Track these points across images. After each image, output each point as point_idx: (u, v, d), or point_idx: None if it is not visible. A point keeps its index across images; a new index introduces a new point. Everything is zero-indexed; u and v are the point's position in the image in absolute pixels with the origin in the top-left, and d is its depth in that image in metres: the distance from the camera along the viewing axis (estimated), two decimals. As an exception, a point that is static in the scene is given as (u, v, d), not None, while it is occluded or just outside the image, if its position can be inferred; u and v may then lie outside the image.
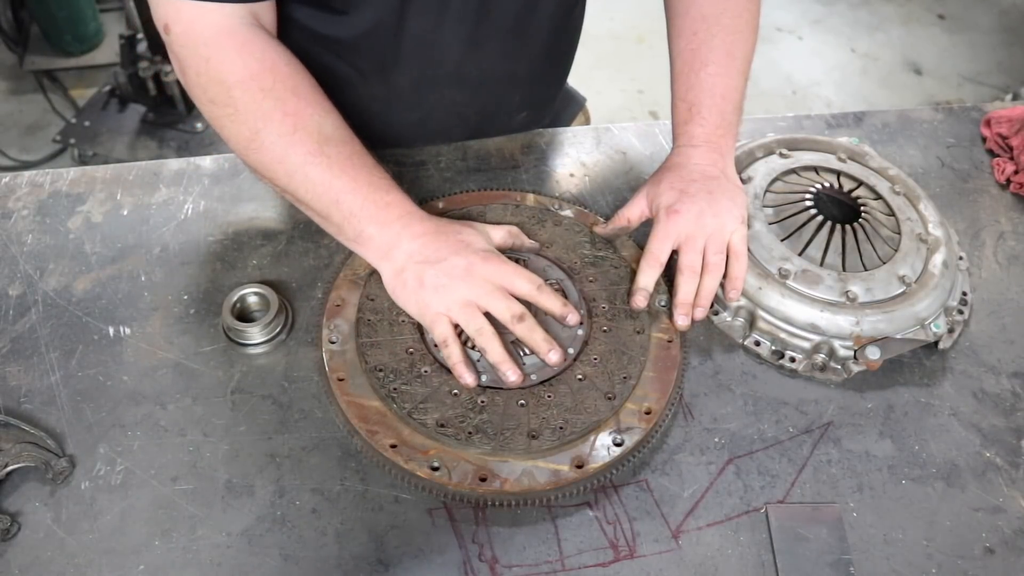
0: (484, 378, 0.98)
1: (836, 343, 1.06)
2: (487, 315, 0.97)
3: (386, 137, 1.29)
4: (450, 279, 0.96)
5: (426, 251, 0.98)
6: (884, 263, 1.11)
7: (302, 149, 0.98)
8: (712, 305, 1.10)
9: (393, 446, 0.92)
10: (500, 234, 1.07)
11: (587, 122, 1.64)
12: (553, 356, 0.97)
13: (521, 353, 0.99)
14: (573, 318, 1.00)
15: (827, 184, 1.21)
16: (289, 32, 1.13)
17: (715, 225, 1.06)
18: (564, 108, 1.57)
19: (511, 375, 0.96)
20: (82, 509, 0.89)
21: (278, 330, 1.04)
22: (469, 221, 1.08)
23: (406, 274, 0.98)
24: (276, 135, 0.98)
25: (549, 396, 0.97)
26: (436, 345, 1.00)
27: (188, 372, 1.01)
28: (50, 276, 1.10)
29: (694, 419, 1.02)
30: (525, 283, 0.98)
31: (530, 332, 0.97)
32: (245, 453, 0.95)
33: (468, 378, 0.96)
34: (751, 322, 1.09)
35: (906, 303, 1.07)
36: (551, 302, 1.00)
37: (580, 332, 1.03)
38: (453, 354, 0.96)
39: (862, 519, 0.95)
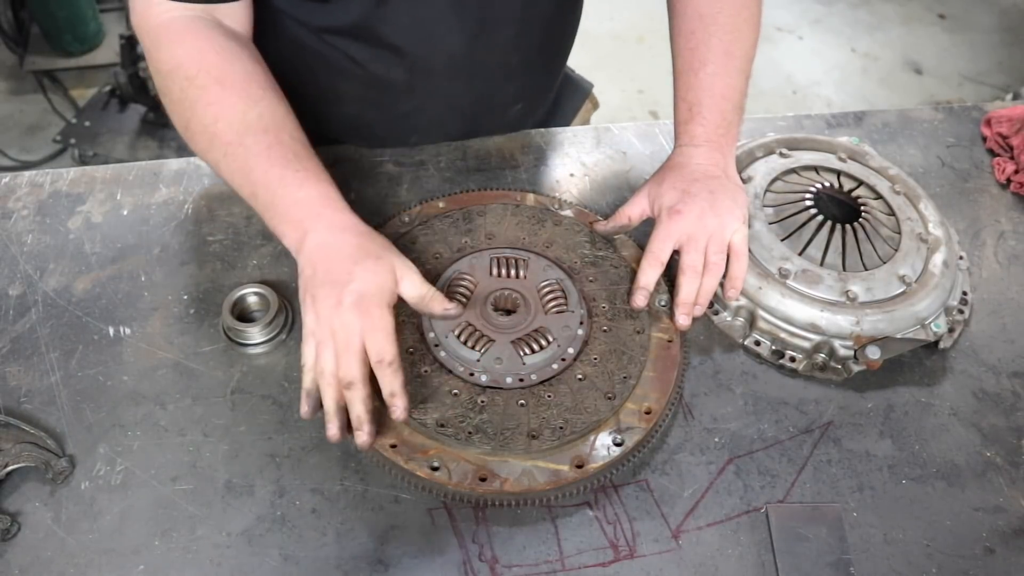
0: (484, 378, 0.98)
1: (836, 343, 1.06)
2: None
3: (381, 126, 1.29)
4: (318, 307, 0.90)
5: (314, 267, 0.92)
6: (884, 263, 1.11)
7: (223, 140, 0.97)
8: (712, 305, 1.10)
9: (393, 446, 0.92)
10: (414, 292, 0.94)
11: (595, 108, 1.63)
12: (361, 436, 0.90)
13: (522, 352, 0.99)
14: (397, 412, 0.90)
15: (827, 184, 1.21)
16: (282, 22, 1.14)
17: (717, 225, 1.06)
18: (569, 96, 1.56)
19: (330, 430, 0.90)
20: (82, 509, 0.89)
21: (278, 330, 1.04)
22: (393, 251, 0.95)
23: (301, 278, 0.93)
24: (201, 125, 0.98)
25: (549, 396, 0.97)
26: (437, 344, 1.00)
27: (188, 372, 1.01)
28: (50, 276, 1.10)
29: (694, 419, 1.02)
30: (375, 351, 0.88)
31: (351, 402, 0.89)
32: (245, 453, 0.95)
33: (304, 410, 0.91)
34: (751, 322, 1.09)
35: (906, 303, 1.07)
36: (388, 382, 0.89)
37: (580, 332, 1.03)
38: (304, 381, 0.91)
39: (862, 519, 0.95)
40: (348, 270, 0.90)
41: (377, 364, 0.89)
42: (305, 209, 0.95)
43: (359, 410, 0.89)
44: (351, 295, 0.88)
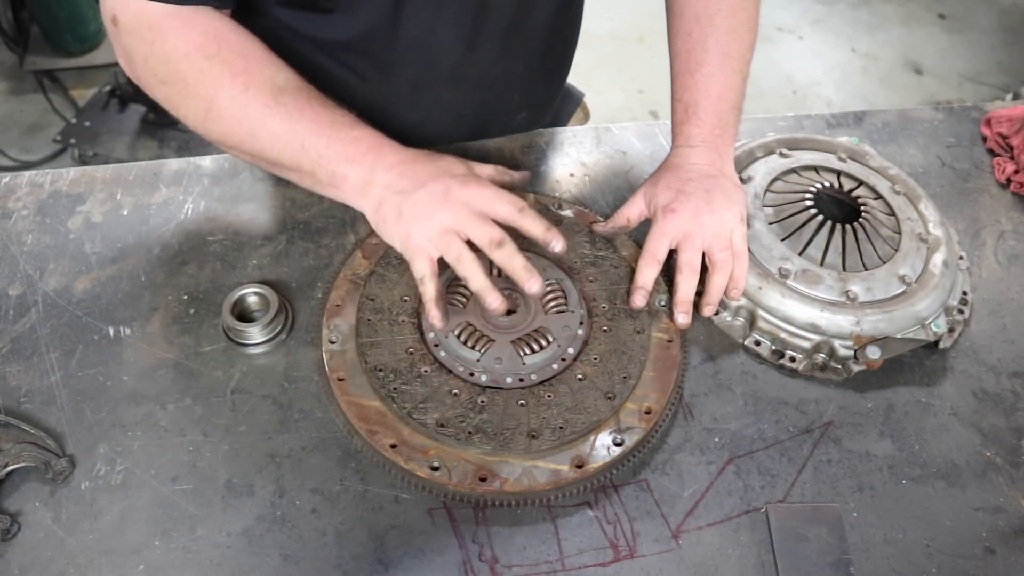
0: (484, 378, 0.98)
1: (836, 343, 1.06)
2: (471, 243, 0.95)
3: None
4: (428, 207, 0.94)
5: (403, 181, 0.97)
6: (884, 263, 1.11)
7: (258, 104, 0.98)
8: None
9: (393, 446, 0.92)
10: (487, 170, 1.05)
11: (586, 117, 1.63)
12: (533, 285, 0.94)
13: (522, 352, 0.99)
14: (558, 245, 0.97)
15: (827, 184, 1.21)
16: (285, 37, 1.13)
17: (714, 223, 1.06)
18: (562, 104, 1.57)
19: (493, 302, 0.94)
20: (82, 509, 0.89)
21: (278, 330, 1.04)
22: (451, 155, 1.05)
23: (385, 207, 0.97)
24: (229, 98, 0.98)
25: (549, 396, 0.97)
26: (437, 344, 1.00)
27: (188, 372, 1.01)
28: (50, 276, 1.10)
29: (694, 419, 1.02)
30: (506, 205, 0.95)
31: (509, 259, 0.94)
32: (245, 453, 0.95)
33: (437, 319, 0.96)
34: (751, 322, 1.09)
35: (906, 303, 1.07)
36: (534, 225, 0.96)
37: (580, 332, 1.03)
38: (427, 291, 0.95)
39: (862, 519, 0.95)
40: (436, 165, 0.98)
41: (520, 214, 0.95)
42: (366, 142, 0.99)
43: (520, 262, 0.94)
44: (455, 179, 0.96)
